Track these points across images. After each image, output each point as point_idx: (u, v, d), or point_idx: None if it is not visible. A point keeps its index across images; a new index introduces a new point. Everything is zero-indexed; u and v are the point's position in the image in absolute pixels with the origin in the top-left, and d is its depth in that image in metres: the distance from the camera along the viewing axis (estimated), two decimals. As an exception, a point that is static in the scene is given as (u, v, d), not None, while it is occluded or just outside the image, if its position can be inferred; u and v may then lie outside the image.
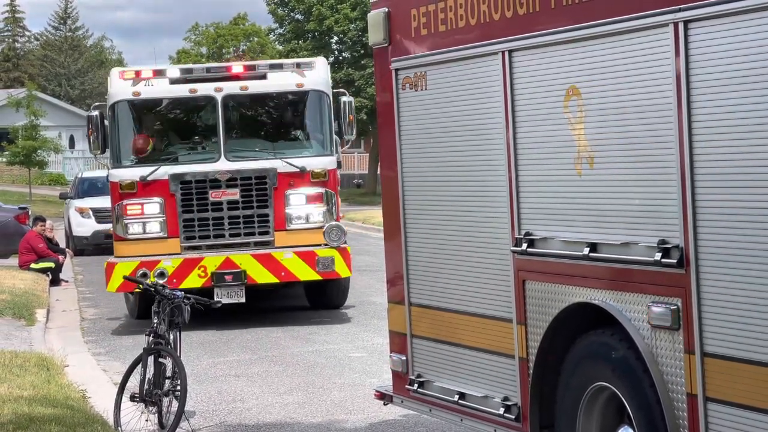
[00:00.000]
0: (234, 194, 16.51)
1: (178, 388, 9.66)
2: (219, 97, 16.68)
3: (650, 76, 6.25)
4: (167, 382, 9.81)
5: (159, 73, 17.05)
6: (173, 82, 16.93)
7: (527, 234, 7.34)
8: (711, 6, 5.80)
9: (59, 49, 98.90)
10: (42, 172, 60.24)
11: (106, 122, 16.84)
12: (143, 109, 17.20)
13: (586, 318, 6.94)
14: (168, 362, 9.85)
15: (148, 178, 16.45)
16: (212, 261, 16.24)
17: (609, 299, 6.68)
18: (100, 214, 29.46)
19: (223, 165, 16.55)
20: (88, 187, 31.50)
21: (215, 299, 15.29)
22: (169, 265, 16.14)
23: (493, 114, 7.58)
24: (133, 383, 10.03)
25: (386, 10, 8.75)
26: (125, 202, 16.44)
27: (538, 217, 7.29)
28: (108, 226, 30.05)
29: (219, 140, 16.64)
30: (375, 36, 8.86)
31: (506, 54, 7.40)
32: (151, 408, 9.78)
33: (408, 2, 8.51)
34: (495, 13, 7.55)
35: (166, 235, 16.44)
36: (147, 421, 9.84)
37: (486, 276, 7.78)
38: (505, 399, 7.63)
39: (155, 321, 10.06)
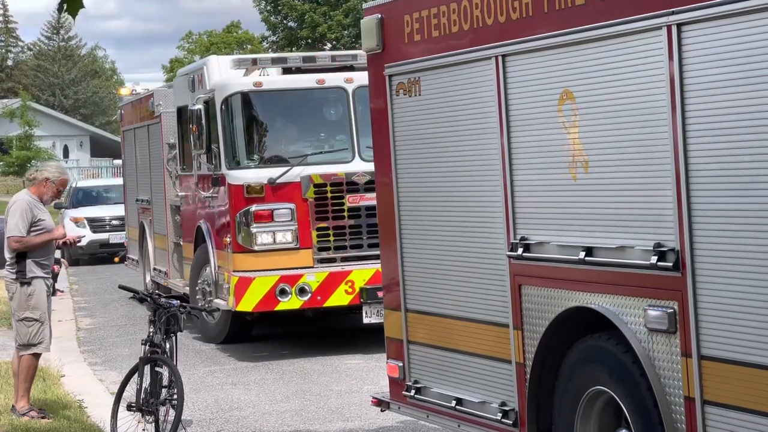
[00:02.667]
0: (373, 199, 14.51)
1: (175, 397, 9.63)
2: (350, 89, 14.74)
3: (644, 80, 6.25)
4: (164, 391, 9.79)
5: (277, 61, 15.38)
6: (291, 71, 15.15)
7: (523, 239, 7.34)
8: (704, 9, 5.80)
9: (53, 59, 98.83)
10: (36, 181, 60.13)
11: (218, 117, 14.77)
12: (264, 102, 15.02)
13: (582, 322, 6.94)
14: (164, 371, 9.83)
15: (278, 181, 14.41)
16: (360, 275, 14.27)
17: (605, 303, 6.67)
18: (95, 224, 29.46)
19: (359, 166, 14.54)
20: (83, 197, 31.49)
21: (365, 315, 14.24)
22: (312, 279, 14.20)
23: (488, 119, 7.58)
24: (130, 393, 10.00)
25: (379, 16, 8.74)
26: (253, 208, 14.34)
27: (534, 222, 7.29)
28: (103, 236, 30.23)
29: (352, 138, 14.69)
30: (368, 42, 8.85)
31: (500, 59, 7.40)
32: (148, 417, 9.75)
33: (401, 8, 8.51)
34: (488, 18, 7.56)
35: (297, 246, 14.37)
36: (144, 430, 9.81)
37: (482, 281, 7.78)
38: (503, 404, 7.62)
39: (151, 330, 10.05)
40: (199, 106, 14.86)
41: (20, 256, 10.69)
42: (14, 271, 10.69)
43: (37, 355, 10.76)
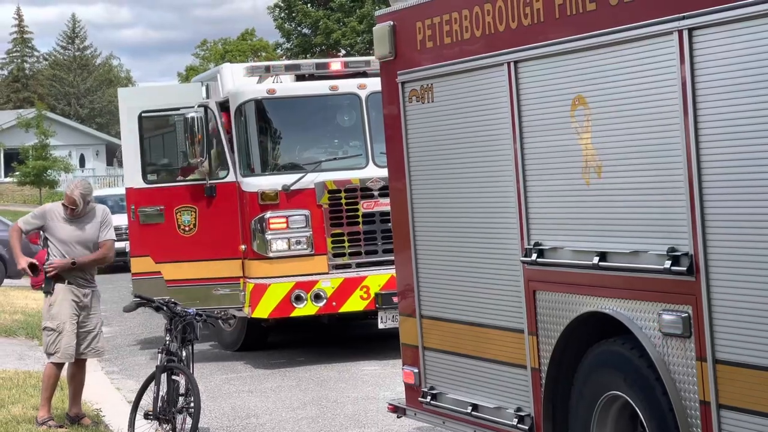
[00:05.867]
0: (388, 204, 13.64)
1: (192, 405, 9.66)
2: (363, 95, 14.74)
3: (656, 84, 6.26)
4: (181, 399, 9.81)
5: (290, 68, 15.44)
6: (304, 78, 15.18)
7: (536, 244, 7.35)
8: (715, 13, 5.80)
9: (68, 68, 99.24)
10: (52, 191, 60.46)
11: (227, 124, 14.75)
12: (278, 109, 15.00)
13: (597, 327, 6.94)
14: (181, 379, 9.86)
15: (292, 188, 14.39)
16: (375, 280, 14.29)
17: (620, 308, 6.67)
18: (111, 233, 29.46)
19: (373, 171, 14.48)
20: (99, 206, 31.46)
21: (380, 321, 14.21)
22: (327, 285, 14.20)
23: (500, 125, 7.59)
24: (147, 401, 10.03)
25: (392, 23, 8.77)
26: (268, 215, 14.32)
27: (547, 227, 7.29)
28: (120, 245, 30.18)
29: (366, 144, 14.67)
30: (381, 49, 8.87)
31: (512, 65, 7.41)
32: (165, 425, 9.78)
33: (413, 15, 8.53)
34: (500, 24, 7.57)
35: (312, 252, 14.34)
36: (161, 438, 9.85)
37: (496, 287, 7.79)
38: (518, 410, 7.63)
39: (167, 338, 10.08)
40: (194, 114, 14.56)
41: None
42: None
43: (58, 365, 10.80)
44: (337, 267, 14.40)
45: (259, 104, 14.78)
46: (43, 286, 10.81)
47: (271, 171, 14.72)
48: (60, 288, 10.71)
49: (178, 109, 15.71)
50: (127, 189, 15.61)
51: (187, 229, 14.85)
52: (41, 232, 11.06)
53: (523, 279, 7.48)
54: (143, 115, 15.52)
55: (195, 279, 14.81)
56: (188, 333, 10.06)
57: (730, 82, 5.79)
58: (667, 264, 6.22)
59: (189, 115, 14.58)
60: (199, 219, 14.85)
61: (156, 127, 18.44)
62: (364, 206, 14.49)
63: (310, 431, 10.78)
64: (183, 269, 14.86)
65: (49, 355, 10.74)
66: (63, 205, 10.92)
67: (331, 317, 15.05)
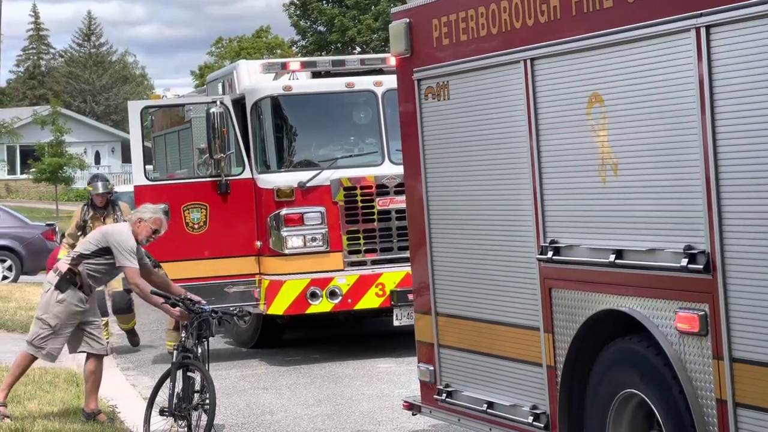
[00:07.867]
0: (403, 202, 13.17)
1: (207, 401, 9.68)
2: (379, 92, 14.70)
3: (673, 82, 6.24)
4: (196, 395, 9.83)
5: (306, 65, 15.27)
6: (319, 75, 15.11)
7: (552, 242, 7.34)
8: (732, 10, 5.79)
9: (84, 65, 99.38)
10: (68, 188, 60.61)
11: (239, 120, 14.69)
12: (294, 106, 15.02)
13: (613, 325, 6.93)
14: (196, 376, 9.88)
15: (308, 185, 14.44)
16: (391, 278, 14.26)
17: (636, 306, 6.66)
18: (127, 230, 29.51)
19: (389, 169, 14.48)
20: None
21: (395, 318, 14.19)
22: (343, 282, 14.22)
23: (516, 122, 7.59)
24: (162, 398, 10.05)
25: (408, 20, 8.76)
26: (283, 211, 14.36)
27: (563, 225, 7.29)
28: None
29: (382, 141, 14.66)
30: (397, 46, 8.87)
31: (528, 62, 7.41)
32: (180, 422, 9.80)
33: (429, 12, 8.53)
34: (516, 21, 7.56)
35: (328, 249, 14.36)
36: (176, 435, 9.87)
37: (512, 284, 7.78)
38: (534, 407, 7.62)
39: (183, 335, 10.10)
40: (215, 109, 14.46)
41: (74, 265, 10.66)
42: (57, 273, 10.71)
43: (35, 358, 10.82)
44: (353, 264, 14.39)
45: (275, 101, 14.77)
46: (57, 272, 10.70)
47: (286, 168, 14.73)
48: (71, 292, 10.62)
49: (182, 105, 15.73)
50: (134, 187, 15.47)
51: (196, 226, 14.75)
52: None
53: (539, 277, 7.48)
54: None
55: (203, 278, 14.60)
56: (204, 330, 10.08)
57: (748, 79, 5.77)
58: (684, 262, 6.21)
59: (211, 110, 14.48)
60: (210, 216, 14.79)
61: (171, 123, 18.39)
62: (380, 203, 14.48)
63: (324, 428, 10.79)
64: (189, 268, 14.64)
65: (33, 347, 10.67)
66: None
67: (347, 314, 15.06)
